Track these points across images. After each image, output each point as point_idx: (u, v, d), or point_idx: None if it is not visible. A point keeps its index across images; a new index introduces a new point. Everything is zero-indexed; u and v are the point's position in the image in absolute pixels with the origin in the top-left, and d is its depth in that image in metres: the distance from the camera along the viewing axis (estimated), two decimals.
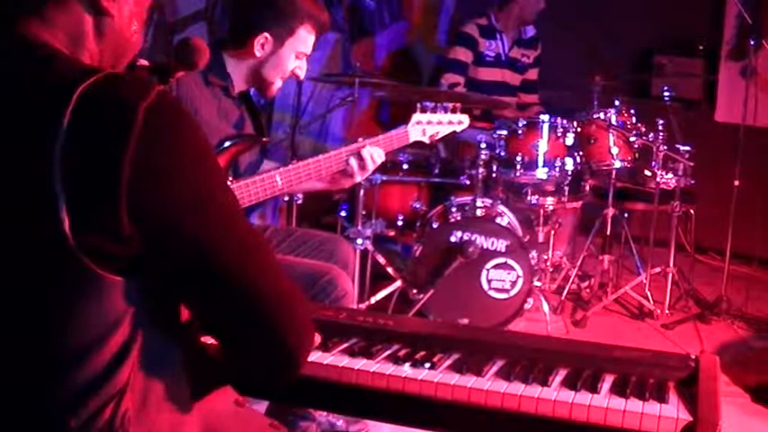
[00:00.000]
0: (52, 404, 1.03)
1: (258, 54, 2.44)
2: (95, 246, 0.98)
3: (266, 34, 2.42)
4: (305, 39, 2.47)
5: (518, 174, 3.76)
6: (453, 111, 2.77)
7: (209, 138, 2.40)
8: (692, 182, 3.98)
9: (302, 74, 2.54)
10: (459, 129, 2.80)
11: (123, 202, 0.96)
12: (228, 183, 2.16)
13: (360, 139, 2.56)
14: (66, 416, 1.02)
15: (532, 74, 4.87)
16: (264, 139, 2.47)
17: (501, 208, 3.74)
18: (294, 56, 2.47)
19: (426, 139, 2.72)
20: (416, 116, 2.69)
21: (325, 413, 2.54)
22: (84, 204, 0.97)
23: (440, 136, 2.75)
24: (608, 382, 1.47)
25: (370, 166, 2.53)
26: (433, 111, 2.72)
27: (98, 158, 0.97)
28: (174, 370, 1.12)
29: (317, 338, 1.51)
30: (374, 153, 2.53)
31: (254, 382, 1.24)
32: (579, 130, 3.86)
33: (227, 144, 2.30)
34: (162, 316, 1.10)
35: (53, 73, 1.01)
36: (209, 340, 1.26)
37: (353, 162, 2.50)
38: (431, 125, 2.71)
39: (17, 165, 0.99)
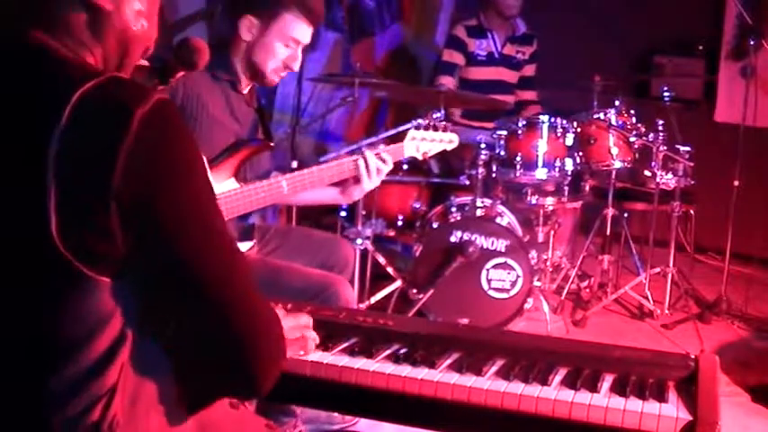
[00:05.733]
0: (37, 402, 1.03)
1: (246, 38, 2.43)
2: (84, 246, 0.98)
3: (251, 17, 2.41)
4: (292, 25, 2.43)
5: (518, 174, 3.75)
6: (444, 129, 2.86)
7: (218, 133, 2.40)
8: (692, 182, 3.98)
9: (296, 66, 2.52)
10: (449, 147, 2.89)
11: (113, 205, 0.97)
12: (225, 193, 2.17)
13: (363, 148, 2.62)
14: (51, 414, 1.02)
15: (529, 70, 4.86)
16: (271, 144, 2.48)
17: (501, 208, 3.74)
18: (283, 44, 2.45)
19: (419, 156, 2.80)
20: (411, 132, 2.77)
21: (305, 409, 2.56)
22: (73, 205, 0.97)
23: (431, 153, 2.84)
24: (608, 381, 1.47)
25: (375, 171, 2.55)
26: (427, 128, 2.81)
27: (91, 161, 0.97)
28: (165, 373, 1.11)
29: (312, 345, 1.52)
30: (384, 157, 2.56)
31: (220, 391, 1.22)
32: (579, 130, 3.86)
33: (239, 146, 2.31)
34: (148, 319, 1.09)
35: (55, 75, 1.02)
36: None
37: (361, 164, 2.52)
38: (424, 142, 2.78)
39: (12, 162, 0.99)
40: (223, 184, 2.24)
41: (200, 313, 1.05)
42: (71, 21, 1.08)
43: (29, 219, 0.98)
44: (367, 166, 2.53)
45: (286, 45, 2.45)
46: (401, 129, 3.68)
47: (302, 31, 2.46)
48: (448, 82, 4.58)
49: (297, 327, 1.49)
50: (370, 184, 2.56)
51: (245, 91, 2.51)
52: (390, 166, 2.60)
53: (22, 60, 1.04)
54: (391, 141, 3.70)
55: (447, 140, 2.85)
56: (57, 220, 0.97)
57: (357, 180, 2.55)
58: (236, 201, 2.23)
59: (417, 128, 2.80)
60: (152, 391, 1.10)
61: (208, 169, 2.00)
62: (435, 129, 2.82)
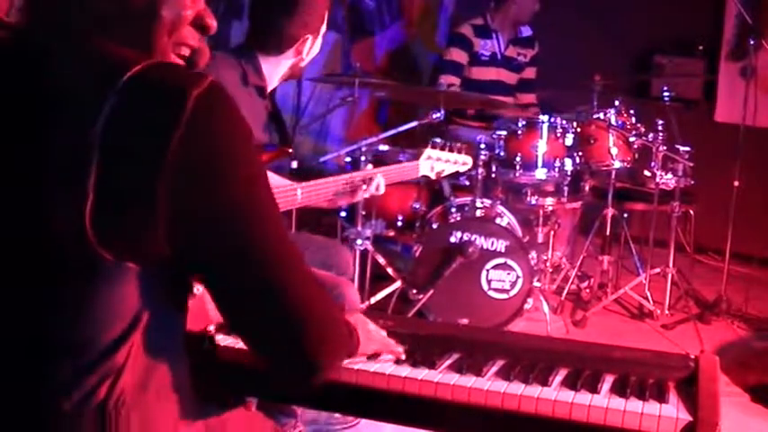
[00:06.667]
0: (48, 389, 1.02)
1: (305, 55, 2.49)
2: (120, 233, 0.96)
3: (309, 36, 2.47)
4: (325, 22, 2.54)
5: (517, 174, 3.76)
6: (459, 151, 2.91)
7: None
8: (692, 182, 3.98)
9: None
10: (462, 169, 2.96)
11: (162, 188, 0.94)
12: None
13: (370, 166, 2.73)
14: (60, 398, 1.01)
15: (530, 73, 4.87)
16: (290, 150, 2.50)
17: (500, 208, 3.74)
18: (320, 39, 2.54)
19: (433, 175, 2.85)
20: (427, 151, 2.81)
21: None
22: (117, 188, 0.94)
23: (444, 174, 2.90)
24: (608, 382, 1.47)
25: (373, 193, 2.61)
26: (442, 149, 2.86)
27: (141, 143, 0.94)
28: (177, 359, 1.10)
29: (398, 347, 1.51)
30: (381, 184, 2.61)
31: (275, 387, 1.23)
32: (579, 130, 3.87)
33: (260, 151, 2.31)
34: (169, 303, 1.08)
35: (103, 59, 0.99)
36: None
37: (373, 186, 2.57)
38: (439, 162, 2.83)
39: (58, 147, 0.96)
40: None
41: (261, 296, 1.04)
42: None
43: (60, 204, 0.94)
44: (376, 187, 2.59)
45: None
46: (401, 129, 3.70)
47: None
48: (453, 81, 4.58)
49: (382, 340, 1.49)
50: (362, 198, 2.62)
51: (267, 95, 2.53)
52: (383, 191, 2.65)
53: (65, 53, 1.01)
54: (392, 142, 3.72)
55: (461, 162, 2.91)
56: (92, 207, 0.93)
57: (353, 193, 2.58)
58: None
59: (434, 146, 2.83)
60: (164, 378, 1.08)
61: None
62: (451, 150, 2.87)
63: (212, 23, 1.10)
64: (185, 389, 1.12)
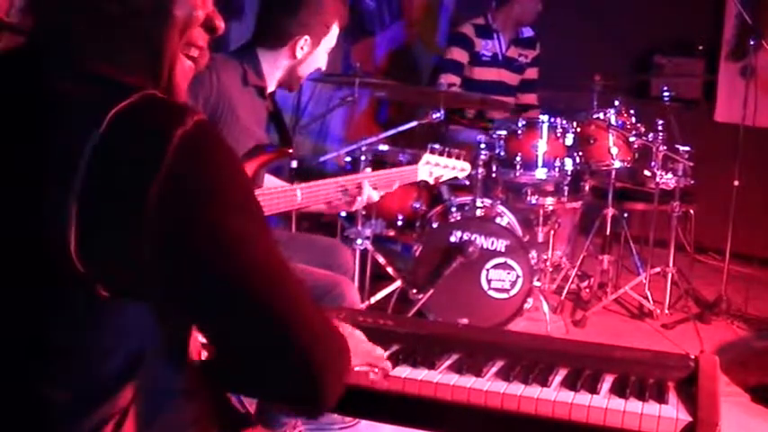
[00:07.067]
0: (44, 417, 0.99)
1: (299, 56, 2.48)
2: (105, 269, 0.94)
3: (306, 36, 2.46)
4: (335, 34, 2.54)
5: (517, 174, 3.76)
6: (458, 157, 2.90)
7: (243, 137, 2.41)
8: (692, 182, 3.98)
9: (324, 66, 2.60)
10: (461, 175, 2.95)
11: (146, 224, 0.92)
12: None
13: (368, 170, 2.73)
14: (58, 430, 0.99)
15: (531, 73, 4.87)
16: (290, 151, 2.49)
17: (501, 208, 3.74)
18: (326, 53, 2.54)
19: (431, 180, 2.84)
20: (426, 156, 2.81)
21: None
22: (99, 226, 0.93)
23: (443, 180, 2.90)
24: (608, 382, 1.47)
25: (365, 201, 2.58)
26: (441, 154, 2.85)
27: (123, 181, 0.92)
28: (182, 400, 1.09)
29: (386, 362, 1.47)
30: (372, 195, 2.58)
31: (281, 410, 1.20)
32: (579, 130, 3.86)
33: (258, 151, 2.31)
34: (170, 341, 1.06)
35: (94, 89, 0.97)
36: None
37: (366, 192, 2.54)
38: (438, 167, 2.83)
39: (40, 176, 0.94)
40: None
41: (255, 330, 1.00)
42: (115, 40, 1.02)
43: (47, 234, 0.93)
44: (368, 196, 2.56)
45: (327, 53, 2.54)
46: (401, 129, 3.70)
47: (336, 37, 2.55)
48: (453, 80, 4.58)
49: (371, 352, 1.45)
50: (356, 206, 2.60)
51: (267, 95, 2.53)
52: (376, 199, 2.62)
53: (60, 75, 0.99)
54: (392, 142, 3.72)
55: (459, 168, 2.91)
56: (76, 241, 0.92)
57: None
58: None
59: (432, 152, 2.83)
60: (169, 419, 1.07)
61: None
62: (450, 155, 2.87)
63: (221, 25, 1.09)
64: (189, 424, 1.11)
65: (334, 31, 2.52)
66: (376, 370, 1.46)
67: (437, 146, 2.86)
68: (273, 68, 2.49)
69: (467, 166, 2.94)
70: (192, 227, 0.94)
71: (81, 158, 0.91)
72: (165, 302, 0.99)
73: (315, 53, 2.50)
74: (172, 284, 0.96)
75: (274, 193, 2.31)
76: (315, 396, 1.06)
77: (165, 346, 1.05)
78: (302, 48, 2.46)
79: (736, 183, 4.01)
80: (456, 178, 2.96)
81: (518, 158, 3.74)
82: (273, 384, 1.07)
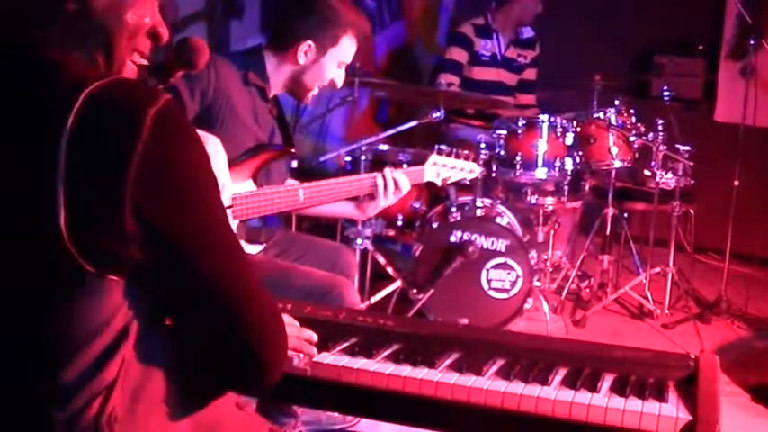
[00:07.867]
0: (40, 400, 1.03)
1: (301, 62, 2.45)
2: (96, 248, 0.98)
3: (310, 42, 2.43)
4: (348, 48, 2.49)
5: (518, 174, 3.76)
6: (466, 158, 2.84)
7: (241, 134, 2.41)
8: (692, 182, 3.98)
9: (340, 83, 2.56)
10: (469, 177, 2.90)
11: (128, 202, 0.97)
12: (242, 194, 2.17)
13: (386, 168, 2.64)
14: (53, 412, 1.03)
15: (530, 74, 4.87)
16: (293, 151, 2.48)
17: (501, 208, 3.74)
18: (336, 65, 2.49)
19: (439, 182, 2.80)
20: (433, 157, 2.75)
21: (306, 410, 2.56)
22: (86, 206, 0.97)
23: (450, 181, 2.84)
24: (608, 381, 1.47)
25: (393, 190, 2.55)
26: (449, 155, 2.80)
27: (104, 159, 0.97)
28: (168, 371, 1.11)
29: (312, 348, 1.51)
30: (399, 179, 2.55)
31: (225, 389, 1.23)
32: (579, 130, 3.86)
33: (260, 149, 2.31)
34: (156, 315, 1.10)
35: (62, 76, 1.01)
36: None
37: (380, 182, 2.52)
38: (445, 168, 2.78)
39: (21, 164, 0.99)
40: (241, 184, 2.23)
41: (211, 312, 1.06)
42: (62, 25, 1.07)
43: (39, 220, 0.97)
44: (385, 185, 2.53)
45: (338, 67, 2.50)
46: (401, 128, 3.70)
47: (353, 52, 2.51)
48: (452, 80, 4.58)
49: (298, 336, 1.49)
50: (385, 201, 2.57)
51: (270, 97, 2.52)
52: (407, 190, 2.59)
53: (24, 65, 1.04)
54: (392, 142, 3.72)
55: (468, 170, 2.86)
56: (67, 222, 0.96)
57: (373, 196, 2.55)
58: (251, 203, 2.22)
59: (440, 153, 2.78)
60: (155, 390, 1.09)
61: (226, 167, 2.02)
62: (458, 156, 2.82)
63: (165, 34, 1.16)
64: (177, 399, 1.13)
65: (346, 44, 2.47)
66: (301, 356, 1.48)
67: (444, 147, 2.80)
68: (277, 72, 2.48)
69: (475, 168, 2.89)
70: (167, 200, 1.01)
71: (61, 140, 0.96)
72: (145, 273, 1.03)
73: (321, 63, 2.46)
74: (148, 257, 1.01)
75: (276, 192, 2.30)
76: (257, 376, 1.11)
77: (151, 320, 1.08)
78: (305, 54, 2.44)
79: (736, 183, 4.01)
80: (463, 179, 2.93)
81: (518, 158, 3.73)
82: (220, 364, 1.12)
